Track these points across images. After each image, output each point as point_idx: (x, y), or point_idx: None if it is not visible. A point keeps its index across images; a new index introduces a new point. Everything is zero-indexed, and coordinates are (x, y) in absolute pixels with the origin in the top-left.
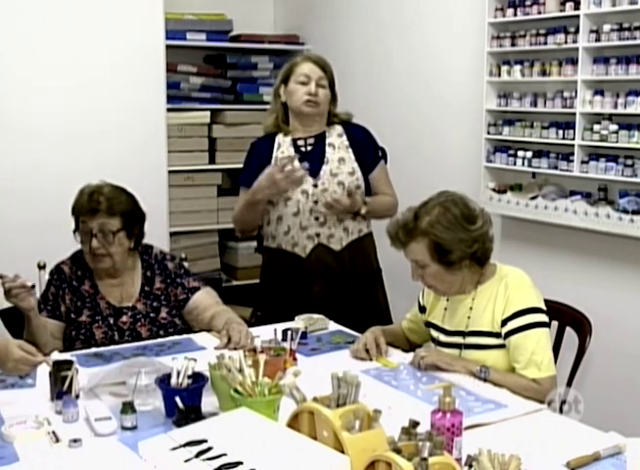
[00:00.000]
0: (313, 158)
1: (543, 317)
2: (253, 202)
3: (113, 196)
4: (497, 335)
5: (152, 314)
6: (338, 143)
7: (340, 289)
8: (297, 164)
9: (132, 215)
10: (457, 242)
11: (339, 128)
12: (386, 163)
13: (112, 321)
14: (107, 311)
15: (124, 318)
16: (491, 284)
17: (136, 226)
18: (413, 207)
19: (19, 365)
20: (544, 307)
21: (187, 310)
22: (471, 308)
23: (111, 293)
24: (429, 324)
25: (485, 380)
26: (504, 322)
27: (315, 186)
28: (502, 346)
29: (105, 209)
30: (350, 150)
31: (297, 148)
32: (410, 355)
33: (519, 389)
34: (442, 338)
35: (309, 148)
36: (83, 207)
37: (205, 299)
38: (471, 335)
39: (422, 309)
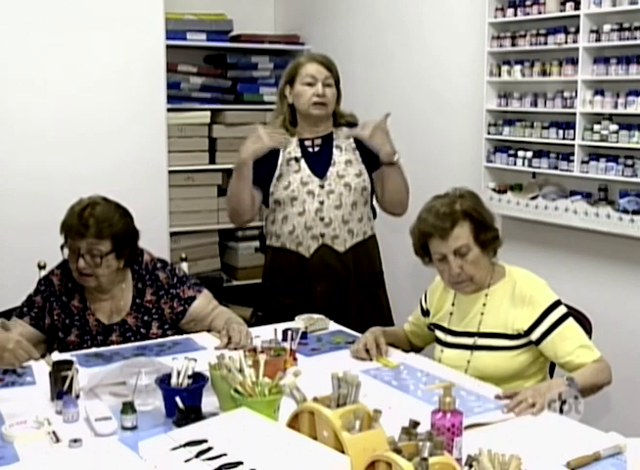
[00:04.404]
0: (320, 159)
1: (564, 308)
2: (240, 164)
3: (104, 217)
4: (510, 337)
5: (142, 330)
6: (345, 145)
7: (342, 290)
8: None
9: (124, 238)
10: (492, 219)
11: (346, 130)
12: None
13: (100, 340)
14: (95, 330)
15: (114, 337)
16: (503, 285)
17: (127, 247)
18: (433, 203)
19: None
20: (558, 297)
21: (185, 321)
22: (484, 305)
23: (101, 308)
24: (434, 326)
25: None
26: (534, 326)
27: (321, 187)
28: (514, 347)
29: (93, 232)
30: (357, 152)
31: (304, 148)
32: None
33: (597, 374)
34: (450, 339)
35: (316, 149)
36: (72, 227)
37: (202, 308)
38: (482, 336)
39: (425, 313)
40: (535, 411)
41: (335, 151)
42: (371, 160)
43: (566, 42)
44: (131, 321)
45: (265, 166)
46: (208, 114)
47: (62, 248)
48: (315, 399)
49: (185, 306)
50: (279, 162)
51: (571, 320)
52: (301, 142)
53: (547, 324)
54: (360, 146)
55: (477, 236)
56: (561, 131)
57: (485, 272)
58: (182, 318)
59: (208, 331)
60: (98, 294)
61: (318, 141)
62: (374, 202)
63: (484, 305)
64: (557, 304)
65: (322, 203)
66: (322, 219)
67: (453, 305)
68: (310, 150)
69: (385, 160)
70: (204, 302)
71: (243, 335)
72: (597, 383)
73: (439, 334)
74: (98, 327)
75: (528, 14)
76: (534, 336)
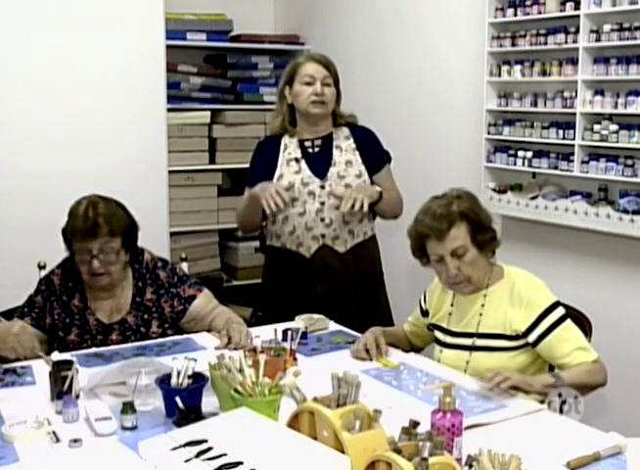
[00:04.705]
0: (320, 159)
1: (562, 310)
2: (250, 198)
3: (110, 214)
4: (509, 337)
5: (142, 329)
6: (345, 145)
7: (342, 291)
8: (295, 192)
9: (130, 231)
10: (489, 220)
11: (345, 130)
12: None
13: (100, 339)
14: (96, 329)
15: (114, 336)
16: (501, 286)
17: (134, 241)
18: (430, 204)
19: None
20: (556, 299)
21: (185, 320)
22: (482, 305)
23: (101, 306)
24: (433, 326)
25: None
26: (531, 328)
27: (322, 188)
28: (512, 348)
29: (106, 231)
30: (357, 152)
31: (303, 149)
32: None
33: (589, 375)
34: (449, 340)
35: (316, 149)
36: (82, 229)
37: (203, 307)
38: (481, 337)
39: (424, 313)
40: (506, 385)
41: (335, 151)
42: (371, 161)
43: (566, 42)
44: (131, 320)
45: (265, 167)
46: (208, 114)
47: (71, 252)
48: (315, 399)
49: (185, 305)
50: (279, 162)
51: (568, 322)
52: (301, 143)
53: (544, 326)
54: (360, 147)
55: (474, 237)
56: (561, 131)
57: (483, 273)
58: (182, 317)
59: (208, 331)
60: (99, 293)
61: (318, 141)
62: None
63: (483, 305)
64: (555, 305)
65: (323, 203)
66: (322, 220)
67: (452, 305)
68: (310, 150)
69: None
70: (204, 301)
71: (243, 335)
72: (588, 383)
73: (438, 334)
74: (98, 326)
75: (528, 14)
76: (531, 338)
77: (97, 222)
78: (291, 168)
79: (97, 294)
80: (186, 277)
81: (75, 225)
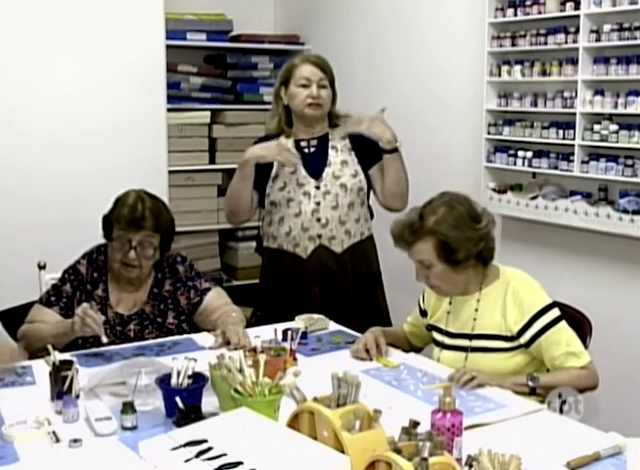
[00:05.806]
0: (316, 160)
1: (557, 311)
2: (243, 163)
3: (158, 211)
4: (505, 338)
5: (159, 319)
6: (340, 146)
7: (340, 291)
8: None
9: (169, 232)
10: (464, 240)
11: (341, 128)
12: None
13: (119, 330)
14: (115, 320)
15: (132, 326)
16: (496, 286)
17: (169, 242)
18: (417, 207)
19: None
20: (551, 301)
21: (198, 312)
22: (476, 310)
23: (123, 299)
24: (431, 327)
25: (535, 388)
26: (523, 329)
27: (317, 188)
28: (509, 349)
29: (150, 225)
30: (353, 153)
31: (299, 149)
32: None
33: (574, 380)
34: (447, 341)
35: (312, 149)
36: (128, 219)
37: (214, 301)
38: (477, 338)
39: (423, 313)
40: (472, 385)
41: (330, 151)
42: (367, 160)
43: (566, 42)
44: (149, 310)
45: (261, 167)
46: (208, 114)
47: (109, 239)
48: (315, 399)
49: (201, 297)
50: (275, 162)
51: (562, 325)
52: (297, 143)
53: (536, 328)
54: (356, 146)
55: (440, 255)
56: (561, 131)
57: (459, 285)
58: (198, 308)
59: (209, 331)
60: (124, 285)
61: (314, 142)
62: (371, 202)
63: (477, 309)
64: (549, 307)
65: (318, 204)
66: (319, 220)
67: (450, 303)
68: (306, 151)
69: (386, 147)
70: (216, 295)
71: (240, 336)
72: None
73: (436, 335)
74: (116, 317)
75: (528, 14)
76: (524, 339)
77: (144, 215)
78: (286, 169)
79: (120, 287)
80: (202, 274)
81: (123, 213)
